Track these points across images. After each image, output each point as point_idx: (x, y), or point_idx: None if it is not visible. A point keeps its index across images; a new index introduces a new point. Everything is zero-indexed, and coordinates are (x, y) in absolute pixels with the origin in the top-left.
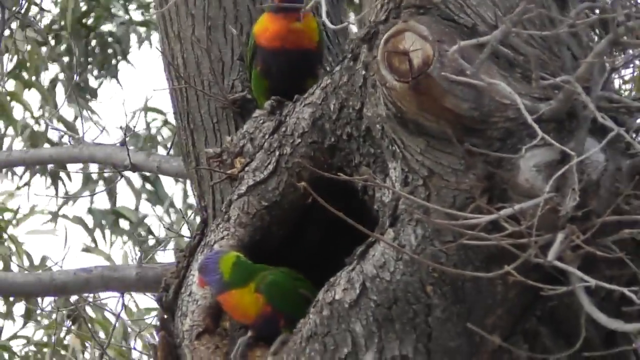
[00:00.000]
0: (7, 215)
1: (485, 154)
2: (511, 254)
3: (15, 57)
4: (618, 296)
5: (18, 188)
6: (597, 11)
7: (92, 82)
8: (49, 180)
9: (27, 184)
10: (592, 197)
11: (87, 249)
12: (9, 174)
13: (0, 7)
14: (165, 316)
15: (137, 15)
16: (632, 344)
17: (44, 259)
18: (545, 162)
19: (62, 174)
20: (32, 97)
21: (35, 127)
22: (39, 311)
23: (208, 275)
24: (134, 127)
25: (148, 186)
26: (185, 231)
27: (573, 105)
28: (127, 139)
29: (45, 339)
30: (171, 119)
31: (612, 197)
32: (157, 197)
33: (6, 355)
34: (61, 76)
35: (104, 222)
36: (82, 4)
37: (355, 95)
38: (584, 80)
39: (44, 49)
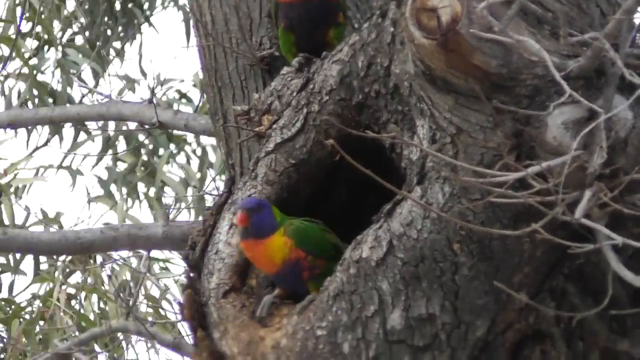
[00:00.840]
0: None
1: (514, 111)
2: (539, 212)
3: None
4: None
5: (37, 148)
6: None
7: (114, 44)
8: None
9: (47, 142)
10: (620, 155)
11: (91, 200)
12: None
13: None
14: (192, 274)
15: None
16: None
17: (57, 215)
18: (573, 119)
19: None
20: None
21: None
22: (46, 266)
23: (260, 216)
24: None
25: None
26: None
27: (601, 63)
28: (154, 96)
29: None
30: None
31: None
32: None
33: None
34: (79, 39)
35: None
36: None
37: (383, 53)
38: (613, 38)
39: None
